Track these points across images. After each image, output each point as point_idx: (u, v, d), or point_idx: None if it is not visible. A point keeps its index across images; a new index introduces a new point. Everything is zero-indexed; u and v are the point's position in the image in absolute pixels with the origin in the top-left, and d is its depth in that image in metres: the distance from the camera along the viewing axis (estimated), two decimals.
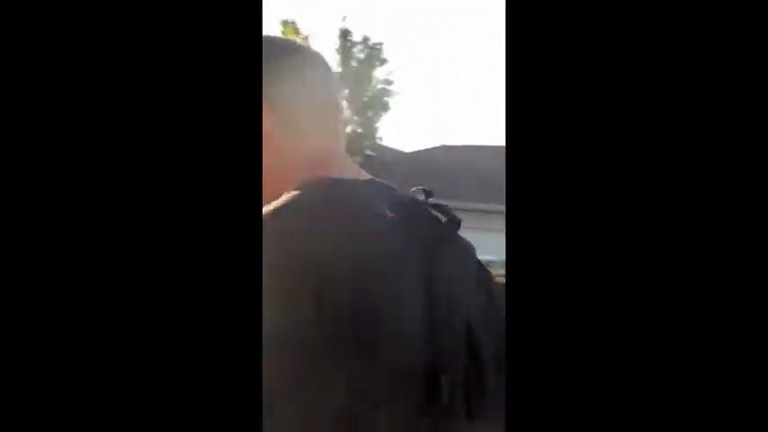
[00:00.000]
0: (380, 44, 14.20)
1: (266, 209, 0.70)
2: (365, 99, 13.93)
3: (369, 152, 14.13)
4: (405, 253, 0.73)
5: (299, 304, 0.64)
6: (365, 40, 14.14)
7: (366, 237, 0.72)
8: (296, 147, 0.84)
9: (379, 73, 14.23)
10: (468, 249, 0.81)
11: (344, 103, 13.41)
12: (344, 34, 14.03)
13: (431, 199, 0.82)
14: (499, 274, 0.78)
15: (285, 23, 13.17)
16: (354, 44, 14.07)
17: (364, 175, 0.84)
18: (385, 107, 14.25)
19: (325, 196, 0.74)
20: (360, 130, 13.91)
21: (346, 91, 13.82)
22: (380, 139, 14.77)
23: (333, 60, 13.79)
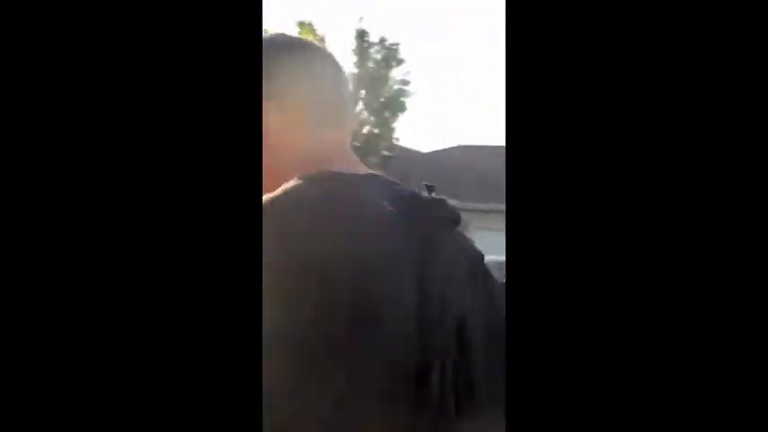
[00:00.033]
0: (397, 44, 14.18)
1: (264, 199, 0.71)
2: (382, 100, 13.91)
3: (386, 153, 14.12)
4: (401, 247, 0.73)
5: (294, 299, 0.64)
6: (382, 40, 14.13)
7: (362, 230, 0.72)
8: (300, 142, 0.84)
9: (396, 73, 14.22)
10: (465, 245, 0.81)
11: (361, 104, 13.38)
12: (361, 35, 14.03)
13: (433, 194, 0.82)
14: None
15: (302, 25, 13.21)
16: (371, 45, 14.06)
17: (366, 171, 0.85)
18: (402, 108, 14.23)
19: (323, 189, 0.75)
20: (376, 131, 13.90)
21: (363, 92, 13.83)
22: (397, 139, 14.75)
23: (349, 61, 13.80)
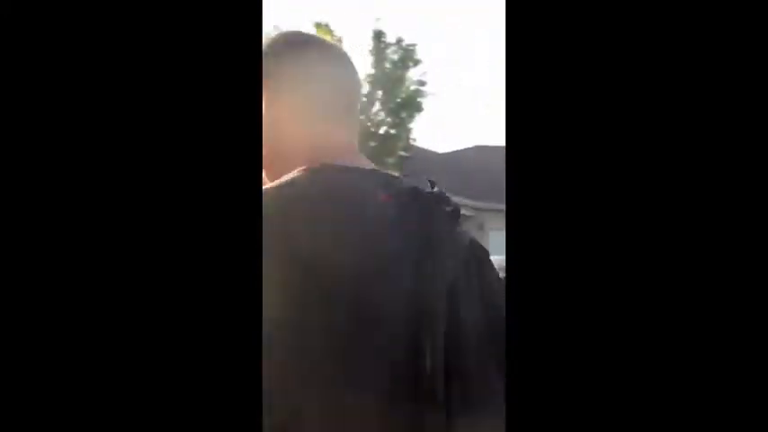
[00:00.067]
0: (414, 45, 14.16)
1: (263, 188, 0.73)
2: (398, 100, 13.89)
3: (403, 153, 14.11)
4: (395, 238, 0.75)
5: (287, 287, 0.66)
6: (399, 41, 14.11)
7: (357, 220, 0.74)
8: (306, 135, 0.86)
9: (413, 74, 14.19)
10: (462, 237, 0.82)
11: (377, 105, 13.36)
12: (378, 36, 14.03)
13: (435, 189, 0.83)
14: None
15: (318, 25, 13.23)
16: (388, 45, 14.05)
17: (370, 166, 0.86)
18: (418, 108, 14.20)
19: (321, 181, 0.78)
20: (393, 132, 13.88)
21: (380, 92, 13.82)
22: (414, 140, 14.72)
23: (366, 62, 13.79)
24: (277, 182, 0.77)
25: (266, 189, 0.73)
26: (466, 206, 15.13)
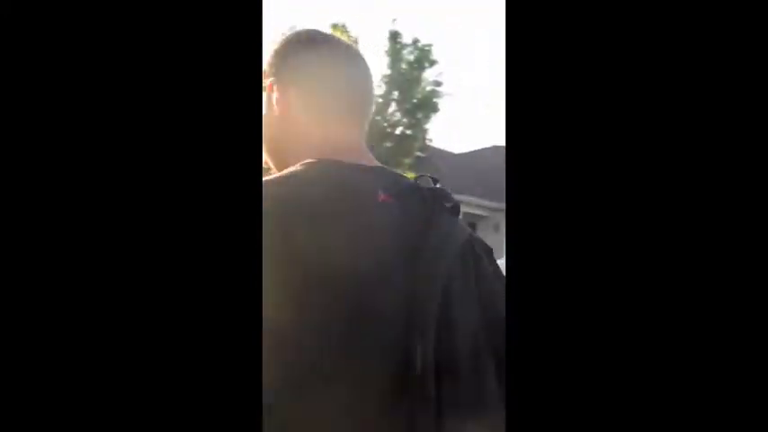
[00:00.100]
0: (430, 45, 14.13)
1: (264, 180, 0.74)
2: (415, 101, 13.87)
3: (419, 154, 14.09)
4: (389, 237, 0.76)
5: (283, 278, 0.67)
6: (415, 41, 14.09)
7: (353, 215, 0.76)
8: (314, 131, 0.88)
9: (429, 74, 14.17)
10: (459, 231, 0.82)
11: (394, 105, 13.34)
12: (394, 36, 14.01)
13: (437, 185, 0.84)
14: None
15: (335, 26, 13.24)
16: (404, 46, 14.03)
17: (374, 163, 0.88)
18: (435, 108, 14.17)
19: (320, 175, 0.79)
20: (409, 132, 13.87)
21: (396, 93, 13.81)
22: (430, 140, 14.69)
23: (382, 62, 13.78)
24: (274, 176, 0.78)
25: (264, 181, 0.75)
26: (482, 206, 15.09)
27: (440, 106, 14.13)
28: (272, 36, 0.95)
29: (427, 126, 14.24)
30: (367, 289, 0.71)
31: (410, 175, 0.92)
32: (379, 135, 12.56)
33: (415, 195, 0.81)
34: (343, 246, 0.72)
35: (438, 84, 14.28)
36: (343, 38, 1.04)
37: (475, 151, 18.46)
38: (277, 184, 0.76)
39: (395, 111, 13.89)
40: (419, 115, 13.98)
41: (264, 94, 0.91)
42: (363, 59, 0.94)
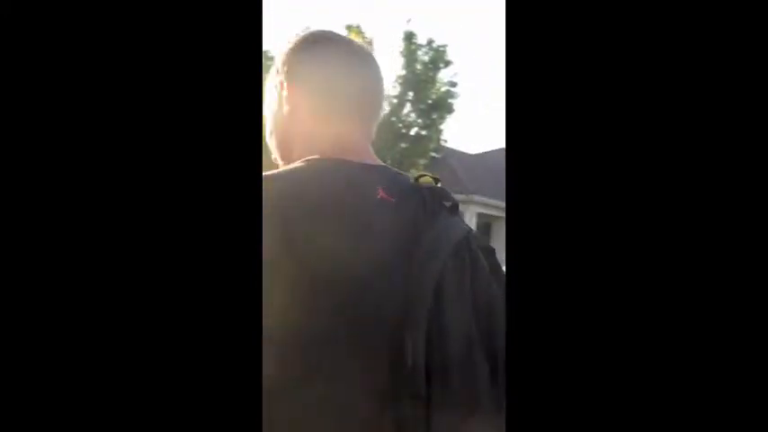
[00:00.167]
0: (444, 46, 14.11)
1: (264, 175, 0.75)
2: (429, 101, 13.85)
3: (434, 154, 14.08)
4: (388, 230, 0.77)
5: (280, 274, 0.68)
6: (429, 42, 14.07)
7: (350, 212, 0.77)
8: (320, 129, 0.89)
9: (444, 75, 14.14)
10: (456, 228, 0.83)
11: (408, 106, 13.30)
12: (409, 37, 14.00)
13: (439, 184, 0.85)
14: None
15: (350, 27, 13.25)
16: (419, 47, 14.01)
17: (378, 163, 0.89)
18: (449, 109, 14.14)
19: (319, 173, 0.80)
20: (424, 133, 13.85)
21: (411, 93, 13.80)
22: (445, 141, 14.67)
23: (397, 63, 13.77)
24: (273, 171, 0.79)
25: (264, 176, 0.76)
26: (497, 207, 15.03)
27: (455, 107, 14.11)
28: (288, 36, 0.96)
29: (442, 126, 14.22)
30: (362, 287, 0.71)
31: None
32: (393, 136, 12.56)
33: (414, 194, 0.82)
34: (339, 242, 0.72)
35: (453, 84, 14.26)
36: (358, 39, 1.05)
37: (490, 152, 18.41)
38: (276, 179, 0.77)
39: (410, 111, 13.88)
40: (434, 116, 13.96)
41: (276, 92, 0.92)
42: (375, 60, 0.95)
